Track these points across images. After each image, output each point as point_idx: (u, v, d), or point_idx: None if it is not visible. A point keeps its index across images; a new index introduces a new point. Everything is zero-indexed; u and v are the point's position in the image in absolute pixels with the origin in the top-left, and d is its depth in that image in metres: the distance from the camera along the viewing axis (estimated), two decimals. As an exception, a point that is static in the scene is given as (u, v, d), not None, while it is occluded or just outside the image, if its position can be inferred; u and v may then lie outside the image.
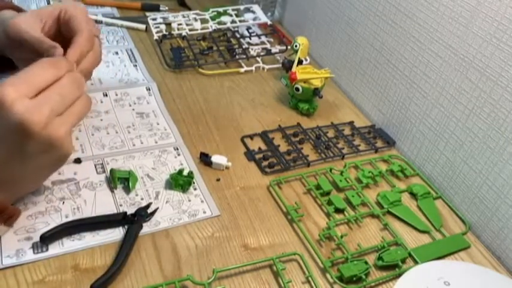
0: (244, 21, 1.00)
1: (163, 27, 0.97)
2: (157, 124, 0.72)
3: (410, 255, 0.58)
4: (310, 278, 0.53)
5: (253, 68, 0.90)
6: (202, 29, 0.97)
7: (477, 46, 0.61)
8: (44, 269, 0.50)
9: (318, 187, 0.65)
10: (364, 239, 0.60)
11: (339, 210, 0.63)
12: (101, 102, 0.74)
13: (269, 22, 1.01)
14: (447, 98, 0.67)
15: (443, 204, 0.67)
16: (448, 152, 0.68)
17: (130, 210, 0.57)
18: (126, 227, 0.55)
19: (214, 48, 0.91)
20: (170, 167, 0.65)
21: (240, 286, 0.52)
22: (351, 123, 0.80)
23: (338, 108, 0.84)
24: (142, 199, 0.60)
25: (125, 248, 0.52)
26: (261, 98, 0.83)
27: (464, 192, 0.66)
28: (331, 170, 0.69)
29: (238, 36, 0.96)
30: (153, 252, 0.54)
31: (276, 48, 0.97)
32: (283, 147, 0.73)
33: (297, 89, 0.77)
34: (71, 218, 0.55)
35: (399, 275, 0.54)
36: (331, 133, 0.77)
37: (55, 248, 0.52)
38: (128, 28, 0.97)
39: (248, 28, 1.01)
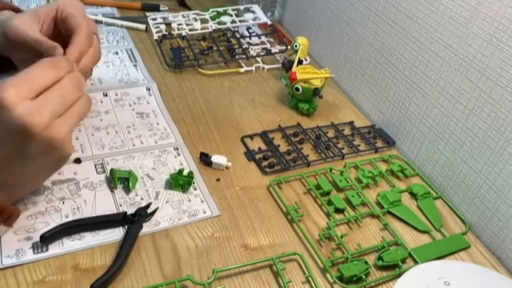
0: (244, 21, 1.00)
1: (163, 27, 0.97)
2: (157, 124, 0.72)
3: (410, 255, 0.58)
4: (310, 278, 0.53)
5: (253, 68, 0.90)
6: (202, 29, 0.97)
7: (477, 46, 0.61)
8: (44, 269, 0.50)
9: (318, 187, 0.65)
10: (364, 239, 0.60)
11: (339, 210, 0.63)
12: (101, 102, 0.74)
13: (269, 22, 1.01)
14: (447, 98, 0.67)
15: (443, 204, 0.67)
16: (448, 152, 0.68)
17: (130, 210, 0.57)
18: (126, 227, 0.55)
19: (214, 48, 0.91)
20: (170, 167, 0.65)
21: (240, 286, 0.52)
22: (351, 123, 0.80)
23: (338, 108, 0.84)
24: (142, 199, 0.60)
25: (125, 248, 0.52)
26: (261, 98, 0.83)
27: (464, 192, 0.66)
28: (331, 170, 0.69)
29: (238, 36, 0.96)
30: (153, 252, 0.54)
31: (276, 48, 0.97)
32: (283, 147, 0.73)
33: (297, 89, 0.77)
34: (71, 218, 0.55)
35: (399, 275, 0.54)
36: (331, 133, 0.77)
37: (55, 248, 0.52)
38: (127, 28, 0.97)
39: (248, 28, 1.01)
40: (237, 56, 0.91)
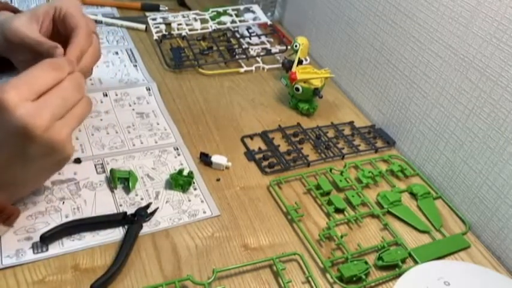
0: (244, 21, 1.00)
1: (163, 27, 0.97)
2: (157, 124, 0.72)
3: (410, 255, 0.58)
4: (310, 278, 0.53)
5: (253, 68, 0.90)
6: (202, 29, 0.96)
7: (477, 46, 0.61)
8: (44, 269, 0.50)
9: (318, 187, 0.65)
10: (364, 239, 0.60)
11: (339, 210, 0.63)
12: (101, 102, 0.74)
13: (269, 22, 1.01)
14: (447, 98, 0.67)
15: (443, 204, 0.67)
16: (448, 152, 0.68)
17: (130, 210, 0.57)
18: (126, 227, 0.55)
19: (214, 48, 0.91)
20: (170, 167, 0.65)
21: (240, 286, 0.52)
22: (351, 123, 0.80)
23: (338, 108, 0.84)
24: (142, 199, 0.60)
25: (125, 248, 0.52)
26: (261, 98, 0.83)
27: (464, 192, 0.66)
28: (331, 170, 0.69)
29: (238, 36, 0.96)
30: (153, 252, 0.54)
31: (276, 48, 0.97)
32: (283, 147, 0.73)
33: (297, 89, 0.77)
34: (71, 218, 0.55)
35: (399, 275, 0.54)
36: (331, 133, 0.77)
37: (55, 248, 0.52)
38: (127, 28, 0.97)
39: (248, 28, 1.01)
40: (237, 56, 0.91)
